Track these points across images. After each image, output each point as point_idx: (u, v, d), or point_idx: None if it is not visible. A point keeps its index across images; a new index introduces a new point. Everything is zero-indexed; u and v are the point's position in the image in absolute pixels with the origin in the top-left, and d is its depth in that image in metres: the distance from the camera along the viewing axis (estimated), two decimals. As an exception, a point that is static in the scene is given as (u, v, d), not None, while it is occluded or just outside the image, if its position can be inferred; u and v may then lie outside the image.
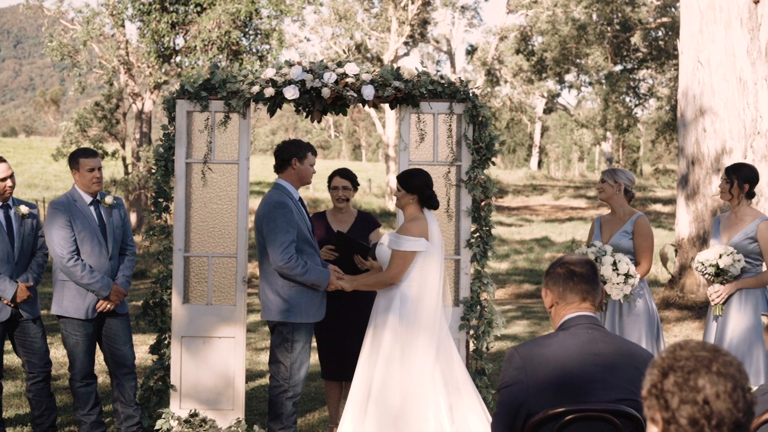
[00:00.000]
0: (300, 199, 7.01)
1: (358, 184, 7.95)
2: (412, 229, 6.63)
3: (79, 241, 7.07)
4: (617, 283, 6.91)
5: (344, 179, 7.80)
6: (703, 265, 7.08)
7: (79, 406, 7.23)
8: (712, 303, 7.16)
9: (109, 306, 7.18)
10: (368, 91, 7.44)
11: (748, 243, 7.08)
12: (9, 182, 7.20)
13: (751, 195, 7.23)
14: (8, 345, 7.46)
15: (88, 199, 7.20)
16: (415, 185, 6.72)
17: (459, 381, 6.65)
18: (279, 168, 7.05)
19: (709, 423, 2.36)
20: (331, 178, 7.85)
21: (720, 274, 7.04)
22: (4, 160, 7.27)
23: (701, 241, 13.62)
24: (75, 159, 7.24)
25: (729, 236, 7.19)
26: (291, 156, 6.99)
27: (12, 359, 9.46)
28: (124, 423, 7.30)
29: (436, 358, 6.55)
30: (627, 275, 6.92)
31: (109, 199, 7.31)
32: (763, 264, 7.14)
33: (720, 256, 7.00)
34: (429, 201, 6.73)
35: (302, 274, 6.68)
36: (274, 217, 6.73)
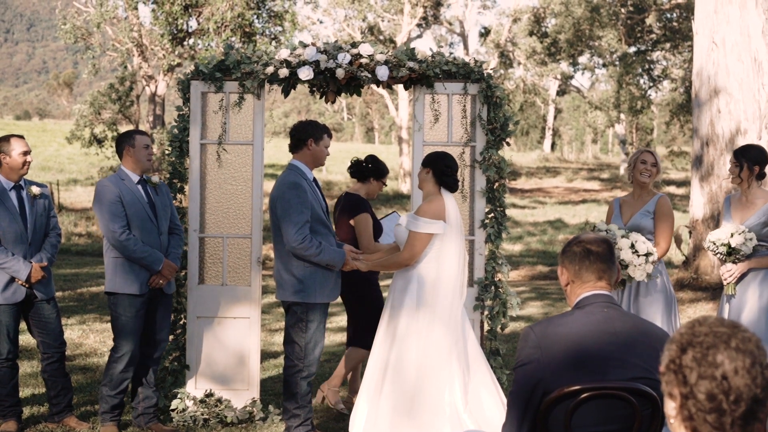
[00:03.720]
0: (314, 179, 7.01)
1: None
2: (429, 210, 6.62)
3: (129, 217, 7.06)
4: (639, 265, 6.85)
5: None
6: (714, 244, 7.02)
7: (106, 384, 7.14)
8: (725, 282, 7.11)
9: (161, 281, 7.16)
10: (382, 72, 7.43)
11: (761, 228, 7.02)
12: (29, 157, 7.24)
13: (761, 176, 7.17)
14: (23, 326, 7.49)
15: (136, 178, 7.20)
16: (431, 158, 6.76)
17: (472, 358, 6.66)
18: (294, 148, 7.04)
19: (727, 398, 2.35)
20: (385, 172, 8.09)
21: (732, 254, 6.99)
22: (22, 137, 7.32)
23: (715, 222, 13.59)
24: (130, 136, 7.27)
25: (741, 219, 7.11)
26: (307, 136, 6.98)
27: (27, 340, 9.51)
28: (142, 403, 7.30)
29: (453, 340, 6.55)
30: (647, 254, 6.87)
31: (155, 179, 7.33)
32: None
33: (731, 235, 6.94)
34: (443, 177, 6.70)
35: (316, 254, 6.68)
36: (289, 197, 6.72)
